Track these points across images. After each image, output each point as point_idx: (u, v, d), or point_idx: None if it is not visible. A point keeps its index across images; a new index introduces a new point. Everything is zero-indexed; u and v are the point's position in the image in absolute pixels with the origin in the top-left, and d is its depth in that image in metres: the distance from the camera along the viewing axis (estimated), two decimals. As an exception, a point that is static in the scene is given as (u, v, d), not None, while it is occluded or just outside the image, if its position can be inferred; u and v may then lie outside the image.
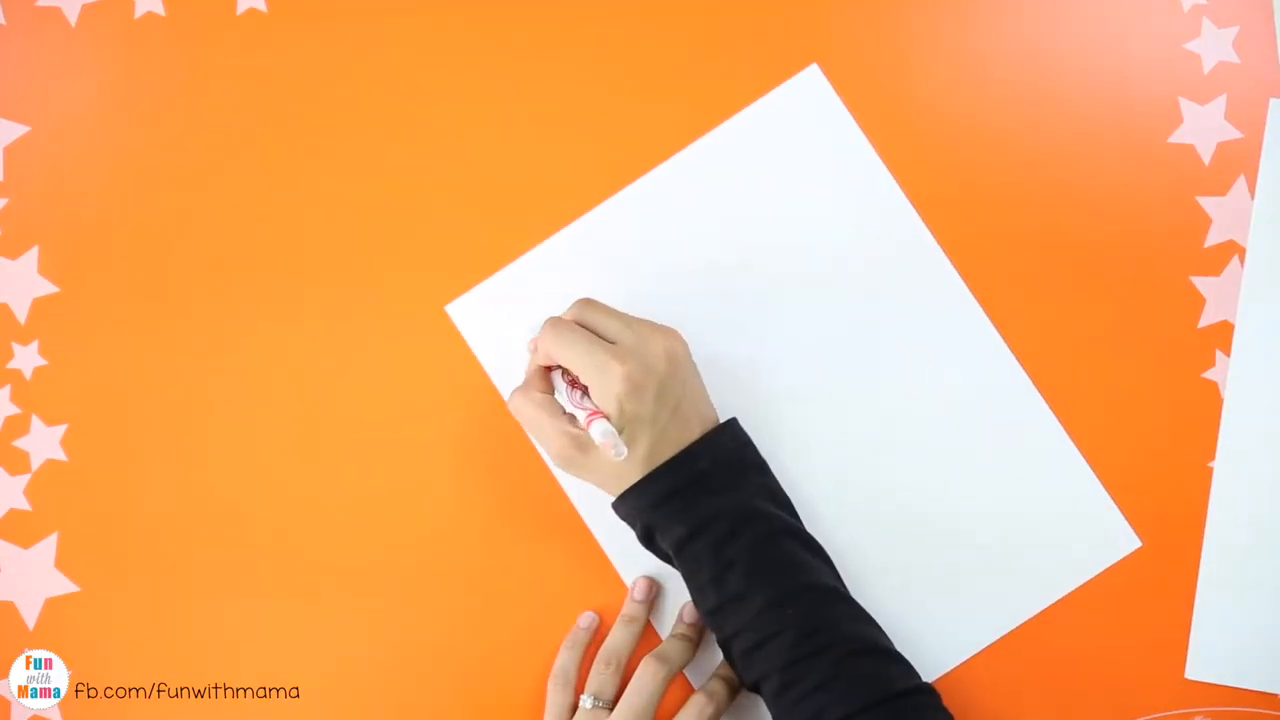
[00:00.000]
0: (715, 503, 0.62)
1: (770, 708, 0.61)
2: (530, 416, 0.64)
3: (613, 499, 0.64)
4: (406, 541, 0.70)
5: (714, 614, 0.62)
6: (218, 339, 0.71)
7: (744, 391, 0.70)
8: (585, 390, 0.63)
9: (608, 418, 0.61)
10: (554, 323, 0.63)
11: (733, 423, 0.65)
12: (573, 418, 0.63)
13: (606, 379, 0.61)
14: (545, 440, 0.63)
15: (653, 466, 0.62)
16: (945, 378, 0.70)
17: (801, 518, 0.66)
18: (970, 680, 0.68)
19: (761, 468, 0.65)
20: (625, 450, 0.60)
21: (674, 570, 0.69)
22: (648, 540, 0.64)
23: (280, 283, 0.71)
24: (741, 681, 0.64)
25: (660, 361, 0.62)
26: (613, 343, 0.62)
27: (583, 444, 0.62)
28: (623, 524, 0.69)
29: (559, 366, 0.65)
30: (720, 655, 0.69)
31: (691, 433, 0.63)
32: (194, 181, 0.72)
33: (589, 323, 0.64)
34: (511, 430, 0.70)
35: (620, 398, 0.60)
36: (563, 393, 0.65)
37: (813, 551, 0.64)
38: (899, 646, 0.63)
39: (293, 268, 0.71)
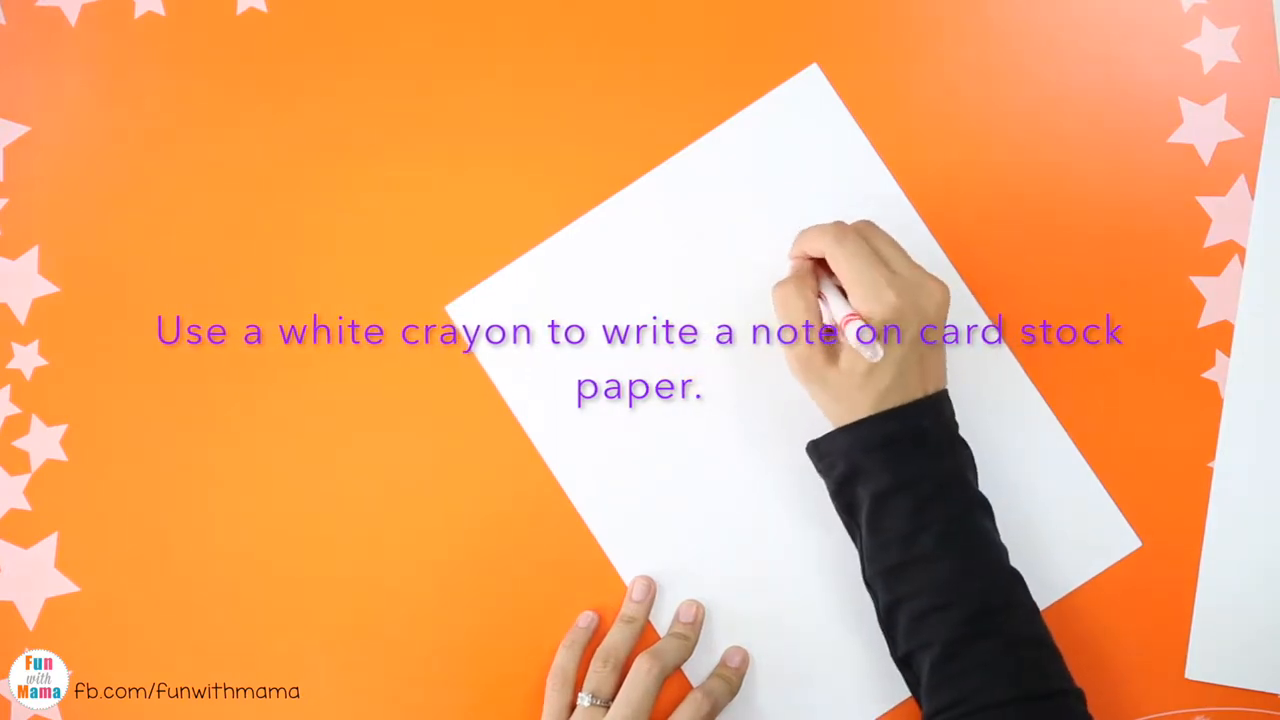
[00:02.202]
0: (928, 463, 0.61)
1: (925, 677, 0.60)
2: (797, 307, 0.62)
3: (819, 436, 0.63)
4: (406, 541, 0.70)
5: (891, 573, 0.61)
6: (217, 339, 0.71)
7: (740, 388, 0.70)
8: (845, 303, 0.62)
9: (867, 322, 0.60)
10: (840, 227, 0.63)
11: (947, 393, 0.64)
12: (829, 330, 0.62)
13: (877, 302, 0.60)
14: (797, 336, 0.62)
15: (881, 408, 0.61)
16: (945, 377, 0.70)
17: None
18: (970, 680, 0.68)
19: (966, 445, 0.64)
20: (881, 352, 0.59)
21: (674, 571, 0.69)
22: (841, 484, 0.63)
23: (280, 282, 0.71)
24: (894, 652, 0.63)
25: (932, 307, 0.61)
26: (892, 271, 0.62)
27: (832, 353, 0.62)
28: (623, 524, 0.69)
29: (824, 272, 0.64)
30: (720, 655, 0.69)
31: (925, 387, 0.62)
32: (194, 181, 0.72)
33: (873, 243, 0.63)
34: (511, 430, 0.70)
35: (883, 324, 0.60)
36: (827, 298, 0.63)
37: (997, 535, 0.63)
38: (900, 646, 0.64)
39: (293, 267, 0.71)
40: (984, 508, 0.63)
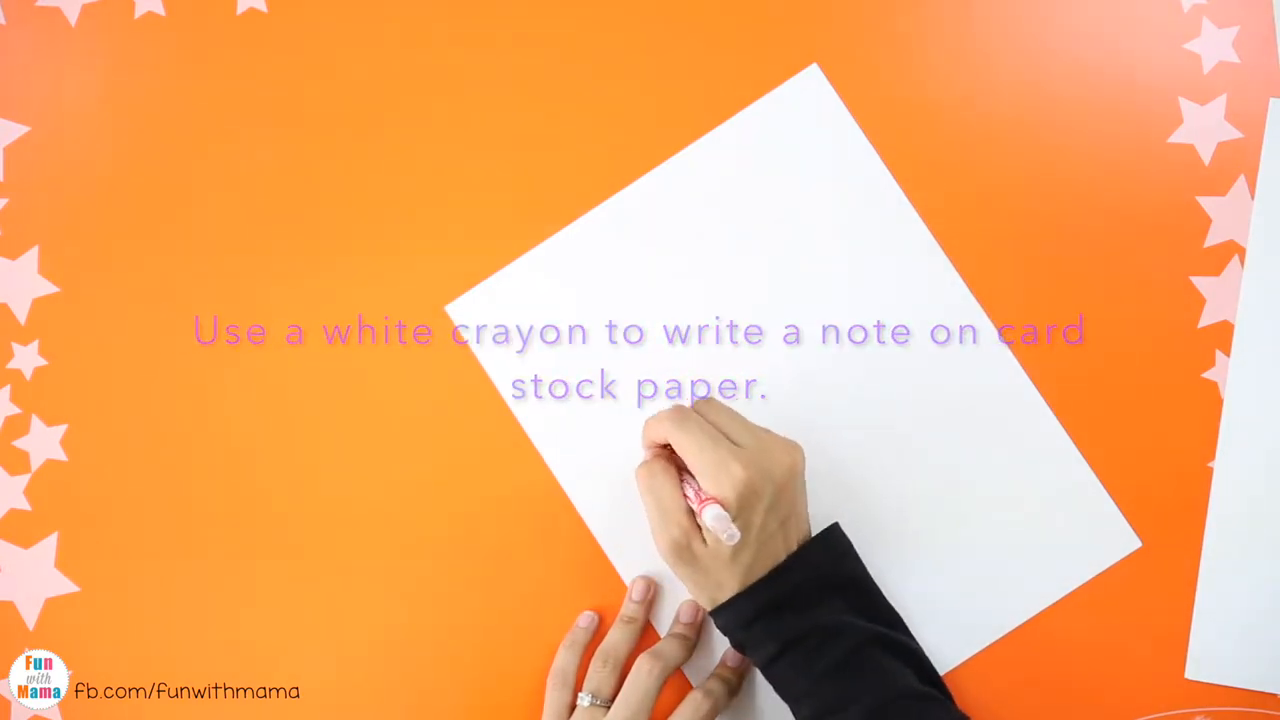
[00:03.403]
0: (807, 619, 0.61)
1: None
2: (658, 489, 0.63)
3: (708, 609, 0.64)
4: (406, 541, 0.70)
5: None
6: (217, 339, 0.71)
7: (740, 388, 0.70)
8: (697, 486, 0.62)
9: (721, 504, 0.60)
10: (680, 411, 0.63)
11: (833, 530, 0.64)
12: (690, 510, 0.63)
13: (725, 479, 0.60)
14: (665, 516, 0.62)
15: (749, 582, 0.62)
16: (944, 377, 0.70)
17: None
18: (971, 680, 0.68)
19: (855, 579, 0.64)
20: (738, 534, 0.58)
21: (672, 571, 0.69)
22: (740, 651, 0.64)
23: (280, 282, 0.71)
24: None
25: (780, 472, 0.61)
26: (737, 445, 0.61)
27: (700, 535, 0.62)
28: (622, 523, 0.69)
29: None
30: (719, 654, 0.69)
31: (789, 546, 0.63)
32: (194, 181, 0.72)
33: (713, 420, 0.63)
34: (511, 430, 0.70)
35: (736, 501, 0.60)
36: (687, 479, 0.64)
37: (904, 657, 0.63)
38: (899, 647, 0.64)
39: (292, 267, 0.71)
40: (877, 640, 0.63)
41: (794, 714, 0.63)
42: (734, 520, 0.59)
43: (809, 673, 0.61)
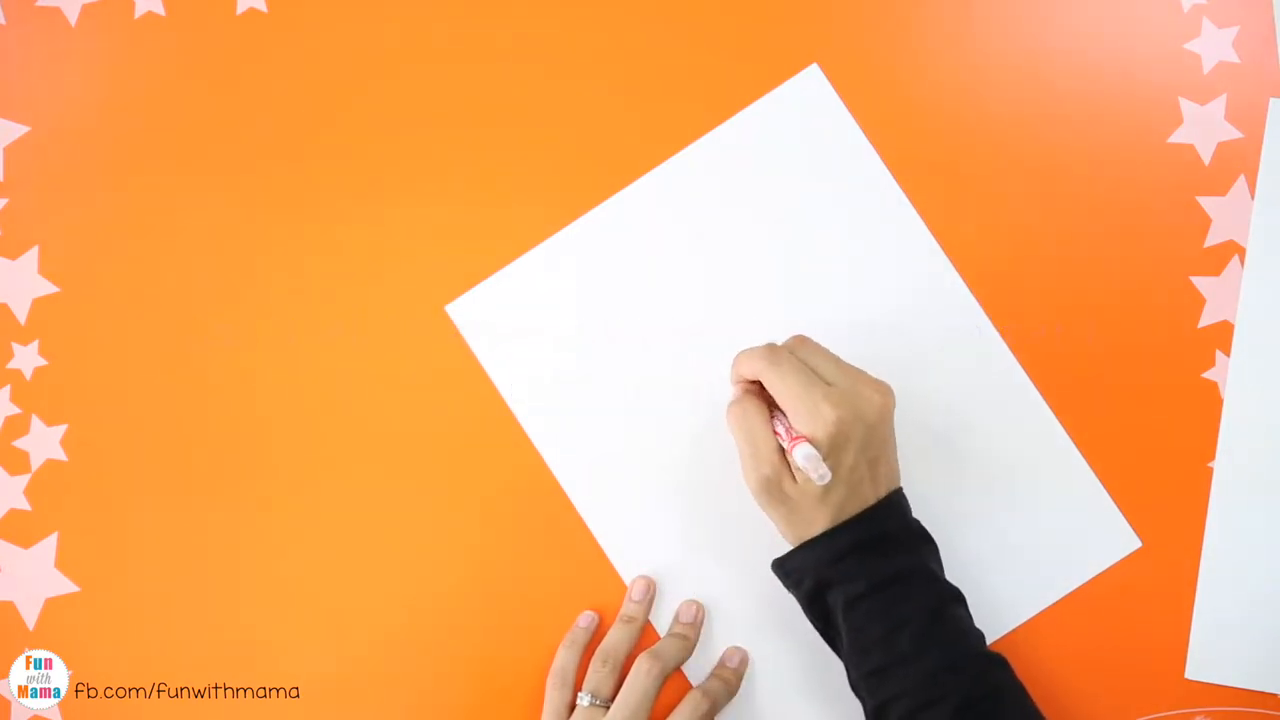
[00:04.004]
0: (896, 564, 0.61)
1: None
2: (751, 427, 0.62)
3: (781, 554, 0.63)
4: (406, 541, 0.70)
5: (874, 676, 0.61)
6: (218, 339, 0.71)
7: (744, 391, 0.70)
8: (788, 424, 0.62)
9: (813, 443, 0.60)
10: (772, 350, 0.63)
11: (902, 490, 0.64)
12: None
13: (817, 419, 0.60)
14: (757, 454, 0.62)
15: (840, 520, 0.61)
16: (944, 377, 0.70)
17: None
18: (970, 680, 0.68)
19: (930, 538, 0.64)
20: (829, 474, 0.59)
21: (674, 571, 0.69)
22: (812, 597, 0.63)
23: (280, 282, 0.71)
24: None
25: (872, 413, 0.61)
26: (828, 384, 0.61)
27: (790, 472, 0.61)
28: (622, 523, 0.69)
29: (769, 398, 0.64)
30: (719, 654, 0.69)
31: (878, 491, 0.62)
32: (194, 181, 0.72)
33: (805, 359, 0.63)
34: (511, 430, 0.70)
35: (827, 441, 0.60)
36: (777, 417, 0.63)
37: (973, 625, 0.63)
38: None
39: (293, 267, 0.71)
40: (956, 599, 0.63)
41: (854, 667, 0.62)
42: (825, 460, 0.59)
43: (888, 619, 0.60)
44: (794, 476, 0.62)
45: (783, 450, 0.62)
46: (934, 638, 0.61)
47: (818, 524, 0.62)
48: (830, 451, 0.60)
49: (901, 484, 0.64)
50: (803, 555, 0.62)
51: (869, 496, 0.62)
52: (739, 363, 0.64)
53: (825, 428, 0.60)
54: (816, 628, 0.64)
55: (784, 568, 0.64)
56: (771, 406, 0.64)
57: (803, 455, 0.59)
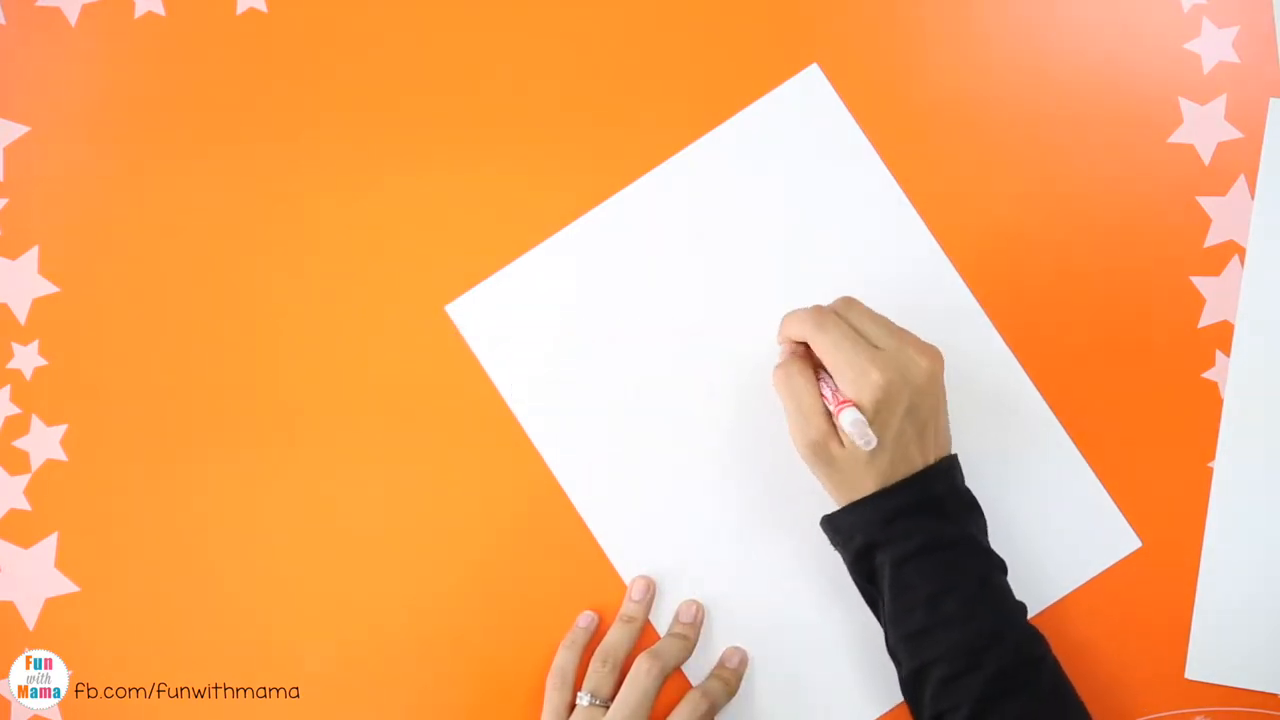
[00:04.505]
0: (946, 528, 0.61)
1: None
2: (798, 390, 0.62)
3: (830, 512, 0.63)
4: (406, 541, 0.70)
5: (916, 637, 0.61)
6: (218, 338, 0.71)
7: (741, 389, 0.70)
8: (834, 387, 0.62)
9: (859, 408, 0.60)
10: (819, 312, 0.62)
11: (956, 459, 0.64)
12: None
13: (863, 383, 0.59)
14: (804, 417, 0.62)
15: (888, 483, 0.61)
16: (945, 377, 0.70)
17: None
18: (970, 680, 0.68)
19: (977, 506, 0.64)
20: (875, 439, 0.59)
21: (674, 571, 0.69)
22: (860, 555, 0.62)
23: (281, 282, 0.71)
24: (919, 717, 0.62)
25: (920, 377, 0.61)
26: (876, 347, 0.61)
27: (838, 434, 0.61)
28: (622, 523, 0.69)
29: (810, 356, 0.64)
30: (719, 655, 0.69)
31: (927, 457, 0.62)
32: (194, 181, 0.72)
33: (853, 321, 0.62)
34: (511, 430, 0.70)
35: (872, 405, 0.59)
36: (823, 379, 0.63)
37: (1015, 599, 0.63)
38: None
39: (293, 268, 0.71)
40: (1001, 569, 0.63)
41: (896, 624, 0.61)
42: (870, 424, 0.59)
43: (935, 582, 0.60)
44: (840, 440, 0.61)
45: (829, 412, 0.62)
46: (981, 602, 0.61)
47: (866, 486, 0.61)
48: (875, 415, 0.60)
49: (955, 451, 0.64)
50: (853, 515, 0.62)
51: (917, 461, 0.61)
52: (786, 324, 0.64)
53: (871, 392, 0.59)
54: (858, 585, 0.64)
55: (833, 524, 0.63)
56: (818, 368, 0.63)
57: (849, 420, 0.59)
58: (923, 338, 0.63)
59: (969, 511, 0.63)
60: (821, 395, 0.62)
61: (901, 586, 0.61)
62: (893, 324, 0.63)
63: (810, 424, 0.62)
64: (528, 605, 0.70)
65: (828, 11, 0.72)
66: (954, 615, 0.60)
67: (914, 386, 0.60)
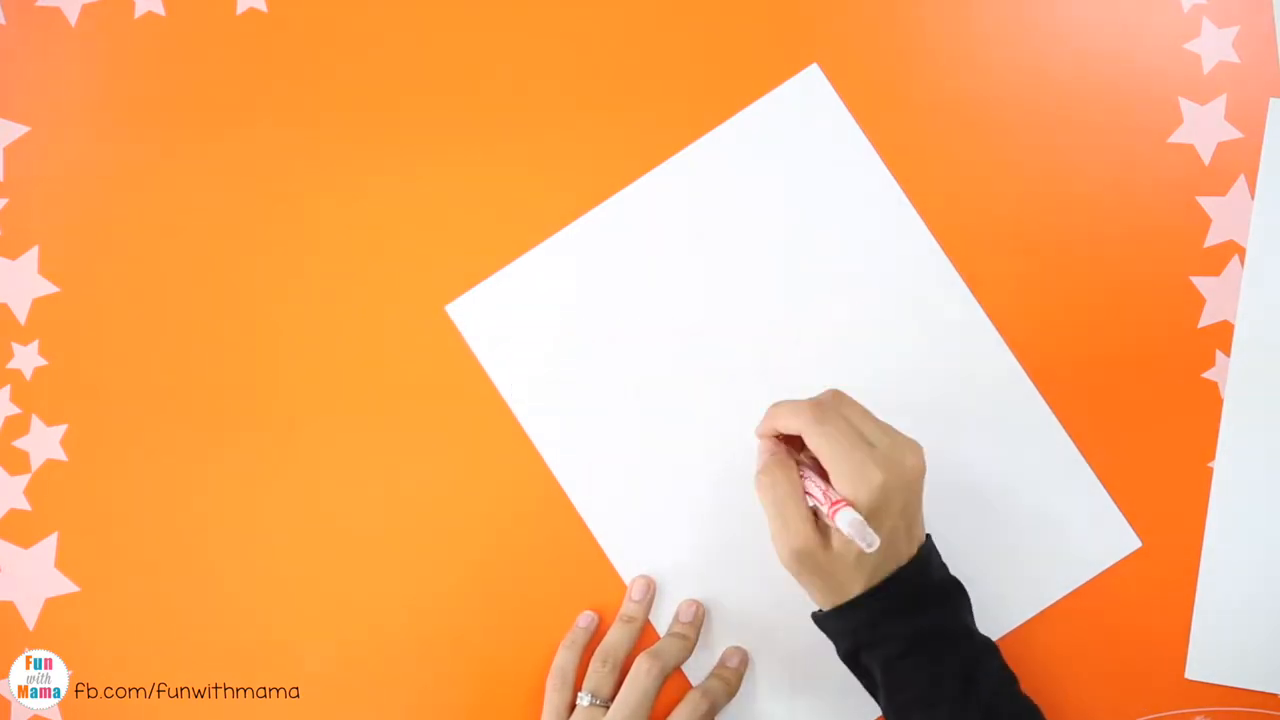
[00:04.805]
0: (930, 620, 0.61)
1: None
2: (781, 498, 0.60)
3: (817, 612, 0.63)
4: (406, 541, 0.70)
5: None
6: (218, 338, 0.71)
7: (742, 389, 0.70)
8: (828, 481, 0.60)
9: (854, 507, 0.58)
10: (817, 406, 0.61)
11: (930, 540, 0.63)
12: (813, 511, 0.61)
13: (863, 484, 0.58)
14: (787, 528, 0.60)
15: (875, 581, 0.60)
16: (945, 377, 0.70)
17: None
18: (970, 680, 0.68)
19: (960, 587, 0.63)
20: (878, 540, 0.57)
21: (674, 571, 0.69)
22: (851, 656, 0.62)
23: (281, 282, 0.71)
24: None
25: (911, 474, 0.60)
26: (870, 444, 0.60)
27: (823, 539, 0.60)
28: (622, 523, 0.69)
29: (798, 449, 0.63)
30: (719, 655, 0.69)
31: (911, 549, 0.61)
32: (194, 181, 0.72)
33: (847, 417, 0.61)
34: (512, 430, 0.70)
35: (870, 505, 0.58)
36: (807, 476, 0.62)
37: (1008, 672, 0.63)
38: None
39: (293, 268, 0.71)
40: (991, 651, 0.63)
41: (896, 717, 0.62)
42: (867, 523, 0.58)
43: (925, 679, 0.60)
44: (827, 543, 0.60)
45: (814, 517, 0.60)
46: (974, 693, 0.60)
47: (853, 587, 0.60)
48: (872, 515, 0.58)
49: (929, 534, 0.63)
50: (839, 619, 0.61)
51: (903, 555, 0.61)
52: (777, 415, 0.62)
53: (870, 492, 0.58)
54: (860, 680, 0.63)
55: (822, 626, 0.63)
56: (799, 466, 0.62)
57: (848, 521, 0.57)
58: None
59: (952, 595, 0.62)
60: (808, 494, 0.60)
61: (896, 685, 0.61)
62: (877, 419, 0.62)
63: (794, 533, 0.60)
64: (528, 605, 0.70)
65: (828, 11, 0.72)
66: (950, 711, 0.60)
67: (906, 484, 0.60)
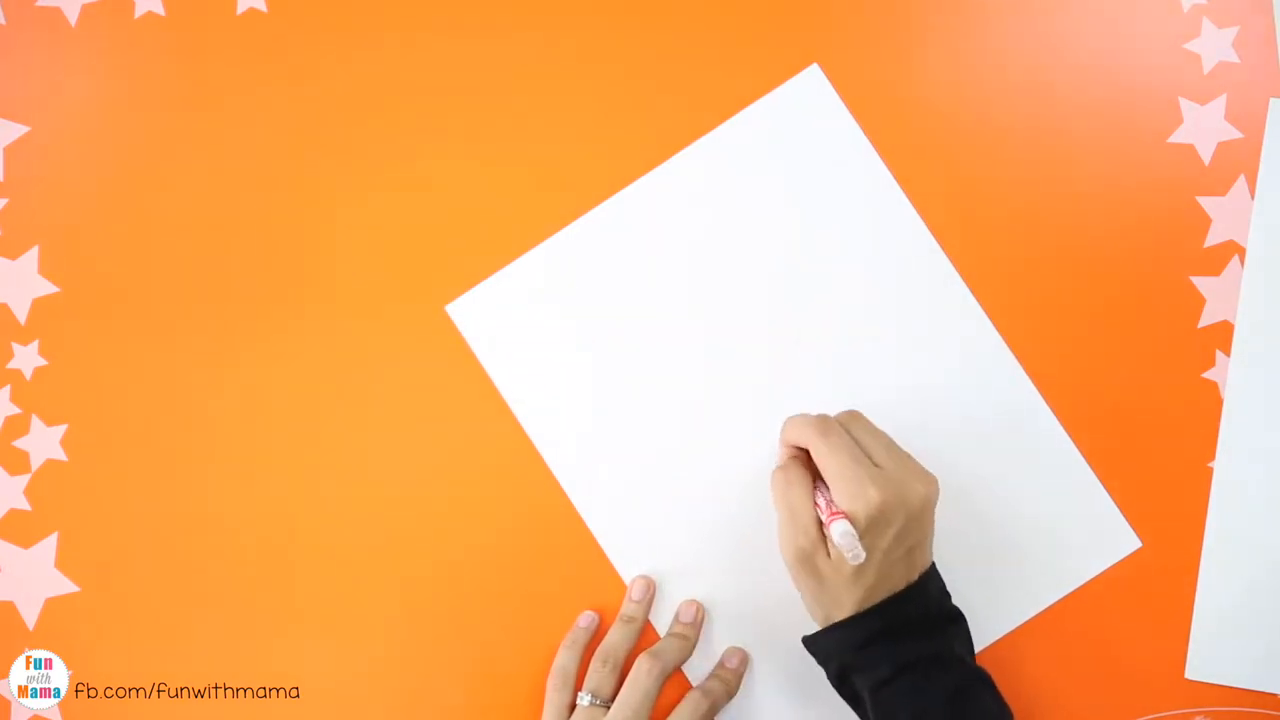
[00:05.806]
0: (919, 649, 0.61)
1: None
2: (793, 498, 0.62)
3: (808, 634, 0.63)
4: (406, 541, 0.70)
5: None
6: (218, 339, 0.71)
7: (741, 389, 0.70)
8: (829, 497, 0.61)
9: (851, 520, 0.59)
10: (823, 421, 0.62)
11: (934, 568, 0.64)
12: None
13: (859, 499, 0.59)
14: (796, 525, 0.61)
15: (869, 603, 0.61)
16: (945, 378, 0.70)
17: None
18: (970, 680, 0.68)
19: (958, 617, 0.63)
20: (864, 554, 0.58)
21: (674, 571, 0.69)
22: (840, 679, 0.62)
23: (281, 282, 0.71)
24: None
25: (916, 502, 0.60)
26: (876, 464, 0.61)
27: (826, 545, 0.61)
28: (622, 523, 0.69)
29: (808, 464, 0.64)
30: (719, 655, 0.69)
31: (910, 576, 0.61)
32: (194, 181, 0.72)
33: (855, 435, 0.62)
34: (512, 431, 0.70)
35: (865, 521, 0.59)
36: (819, 488, 0.63)
37: (1000, 705, 0.63)
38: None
39: (293, 268, 0.71)
40: (983, 682, 0.63)
41: None
42: (860, 540, 0.59)
43: (911, 708, 0.60)
44: (829, 552, 0.61)
45: (820, 523, 0.61)
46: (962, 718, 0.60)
47: (846, 605, 0.61)
48: (867, 531, 0.59)
49: (933, 559, 0.63)
50: (827, 639, 0.62)
51: (899, 582, 0.61)
52: (788, 429, 0.64)
53: (866, 508, 0.59)
54: (852, 709, 0.64)
55: (812, 646, 0.63)
56: (815, 477, 0.63)
57: (839, 531, 0.58)
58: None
59: (945, 625, 0.63)
60: (815, 504, 0.62)
61: (882, 710, 0.61)
62: (894, 444, 0.62)
63: (801, 532, 0.61)
64: (528, 605, 0.70)
65: (828, 11, 0.72)
66: None
67: (909, 510, 0.60)
